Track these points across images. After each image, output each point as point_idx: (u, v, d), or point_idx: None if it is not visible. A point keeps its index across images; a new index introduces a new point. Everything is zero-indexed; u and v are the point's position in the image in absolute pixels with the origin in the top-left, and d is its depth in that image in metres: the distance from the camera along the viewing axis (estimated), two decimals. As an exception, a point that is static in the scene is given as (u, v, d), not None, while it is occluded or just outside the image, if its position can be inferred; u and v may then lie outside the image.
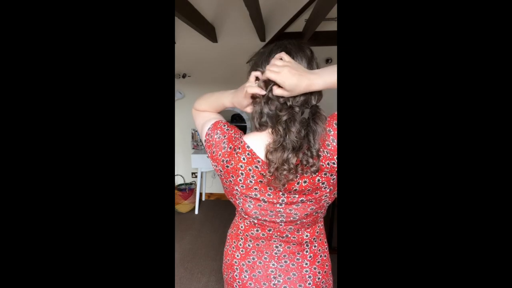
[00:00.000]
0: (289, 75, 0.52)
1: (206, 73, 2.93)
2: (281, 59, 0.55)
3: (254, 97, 0.60)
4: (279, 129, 0.55)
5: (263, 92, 0.57)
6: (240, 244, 0.73)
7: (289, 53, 0.58)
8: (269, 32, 2.71)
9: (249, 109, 0.62)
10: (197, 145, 2.98)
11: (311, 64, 0.61)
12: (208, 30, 2.49)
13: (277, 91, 0.55)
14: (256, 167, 0.60)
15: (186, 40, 2.81)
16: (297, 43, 0.62)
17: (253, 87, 0.58)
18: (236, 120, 2.99)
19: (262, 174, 0.59)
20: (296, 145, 0.54)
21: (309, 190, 0.60)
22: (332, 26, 2.54)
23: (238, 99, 0.61)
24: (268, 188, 0.61)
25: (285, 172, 0.54)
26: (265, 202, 0.63)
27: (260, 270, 0.71)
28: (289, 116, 0.55)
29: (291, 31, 2.66)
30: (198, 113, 0.73)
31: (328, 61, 2.75)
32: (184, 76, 2.94)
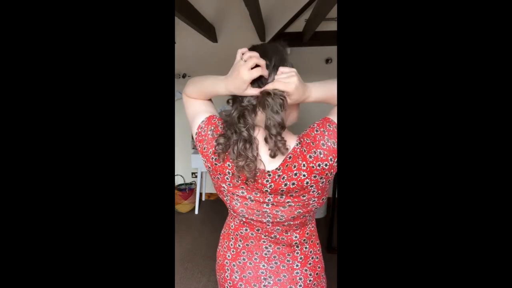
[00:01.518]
0: (295, 88, 0.53)
1: (206, 73, 2.84)
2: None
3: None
4: (228, 131, 0.57)
5: (265, 72, 0.53)
6: (231, 244, 0.73)
7: (265, 53, 0.56)
8: (269, 32, 2.71)
9: (250, 91, 0.55)
10: (197, 145, 2.97)
11: (284, 56, 0.58)
12: (208, 30, 2.49)
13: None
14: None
15: (186, 40, 2.81)
16: (269, 45, 0.61)
17: (252, 71, 0.52)
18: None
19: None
20: (247, 137, 0.55)
21: (296, 191, 0.59)
22: (332, 26, 2.54)
23: (235, 84, 0.55)
24: (254, 188, 0.60)
25: (245, 167, 0.55)
26: (251, 200, 0.63)
27: (250, 271, 0.70)
28: (238, 113, 0.56)
29: (291, 31, 2.66)
30: (190, 101, 0.68)
31: (328, 61, 2.74)
32: (184, 76, 2.94)
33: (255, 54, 0.53)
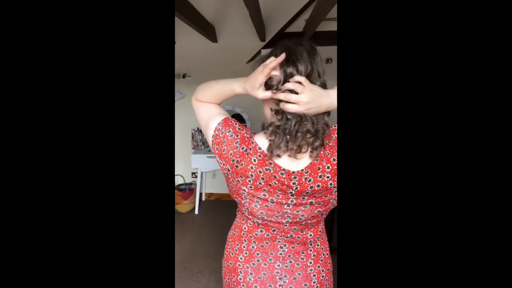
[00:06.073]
0: (306, 103, 0.54)
1: (206, 73, 2.92)
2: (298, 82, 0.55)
3: (268, 81, 0.57)
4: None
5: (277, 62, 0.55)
6: (244, 246, 0.72)
7: (289, 49, 0.57)
8: (269, 32, 2.71)
9: (260, 94, 0.57)
10: (197, 145, 2.98)
11: (313, 57, 0.58)
12: (208, 30, 2.49)
13: (290, 106, 0.55)
14: (268, 169, 0.59)
15: (186, 40, 2.81)
16: (297, 40, 0.60)
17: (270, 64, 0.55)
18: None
19: (274, 176, 0.58)
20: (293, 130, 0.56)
21: (320, 193, 0.60)
22: (332, 26, 2.54)
23: (251, 81, 0.57)
24: (277, 190, 0.60)
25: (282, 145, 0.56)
26: (273, 202, 0.62)
27: (265, 272, 0.70)
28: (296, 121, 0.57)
29: (291, 31, 2.66)
30: (201, 104, 0.69)
31: (328, 61, 2.75)
32: (184, 76, 2.94)
33: (273, 65, 0.55)
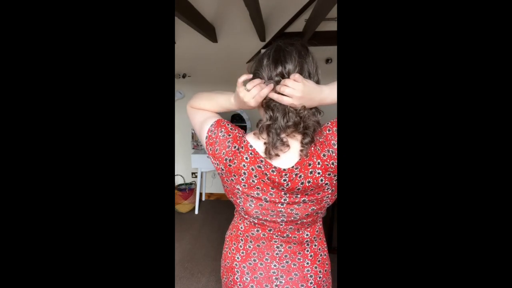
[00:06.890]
0: (299, 97, 0.56)
1: (206, 73, 2.93)
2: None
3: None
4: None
5: (269, 89, 0.58)
6: (241, 246, 0.72)
7: (280, 49, 0.60)
8: (269, 32, 2.71)
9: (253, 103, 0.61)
10: (197, 145, 2.98)
11: (304, 57, 0.60)
12: (208, 30, 2.49)
13: (285, 99, 0.57)
14: (259, 166, 0.60)
15: (186, 40, 2.81)
16: (289, 41, 0.63)
17: (256, 97, 0.58)
18: (236, 120, 2.99)
19: (266, 173, 0.59)
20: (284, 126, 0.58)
21: (311, 190, 0.60)
22: (332, 26, 2.54)
23: (245, 107, 0.62)
24: (270, 187, 0.61)
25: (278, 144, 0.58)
26: (266, 201, 0.63)
27: (261, 272, 0.71)
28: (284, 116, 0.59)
29: (291, 31, 2.66)
30: (196, 110, 0.72)
31: (328, 61, 2.74)
32: (184, 76, 2.94)
33: (256, 82, 0.58)
